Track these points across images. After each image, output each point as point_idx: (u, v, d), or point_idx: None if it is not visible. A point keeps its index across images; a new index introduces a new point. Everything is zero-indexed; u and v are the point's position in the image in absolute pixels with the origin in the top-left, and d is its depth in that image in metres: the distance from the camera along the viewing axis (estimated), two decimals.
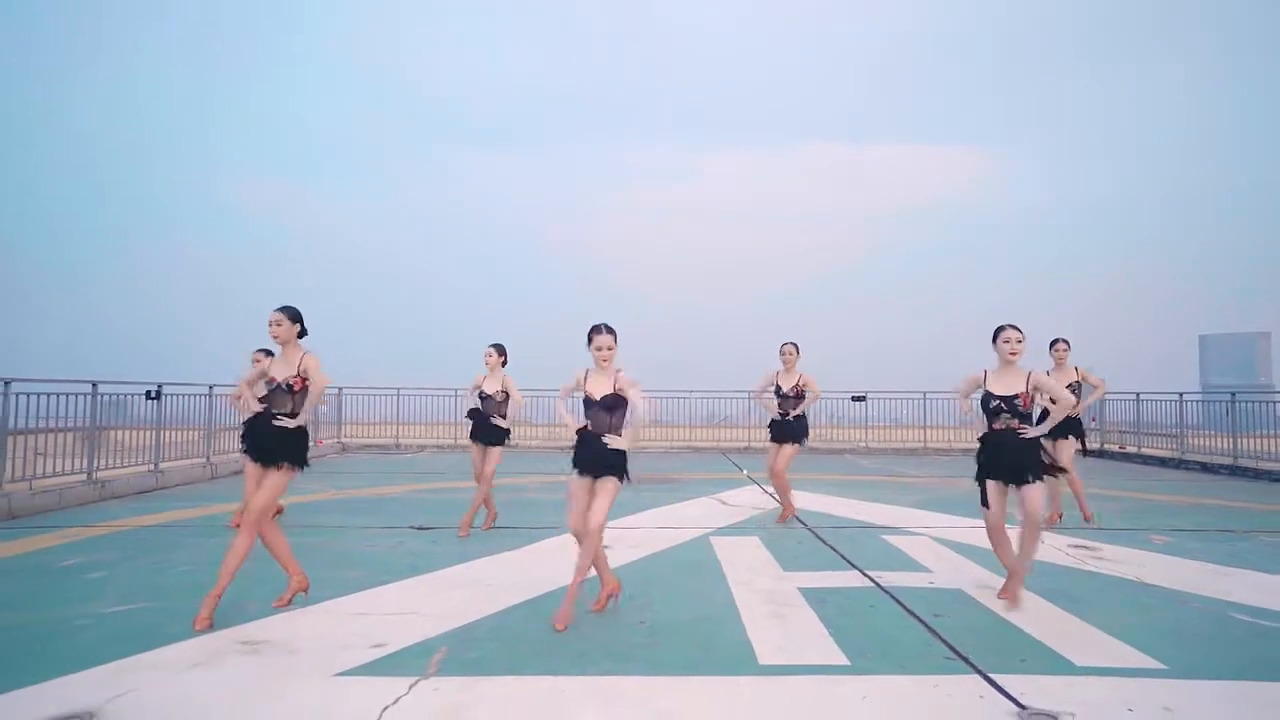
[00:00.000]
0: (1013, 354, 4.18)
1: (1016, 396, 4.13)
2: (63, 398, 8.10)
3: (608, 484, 3.87)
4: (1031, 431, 4.14)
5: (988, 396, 4.24)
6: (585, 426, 3.97)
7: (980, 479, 4.28)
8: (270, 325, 4.00)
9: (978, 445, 4.32)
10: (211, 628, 3.62)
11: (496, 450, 6.31)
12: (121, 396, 9.59)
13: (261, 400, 4.08)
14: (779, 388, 6.73)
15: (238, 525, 6.48)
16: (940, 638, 3.60)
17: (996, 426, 4.20)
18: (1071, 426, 6.54)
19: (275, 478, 3.94)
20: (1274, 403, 11.78)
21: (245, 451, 4.10)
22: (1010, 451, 4.13)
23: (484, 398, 6.29)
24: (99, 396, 8.51)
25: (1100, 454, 14.30)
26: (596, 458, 3.88)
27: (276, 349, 4.15)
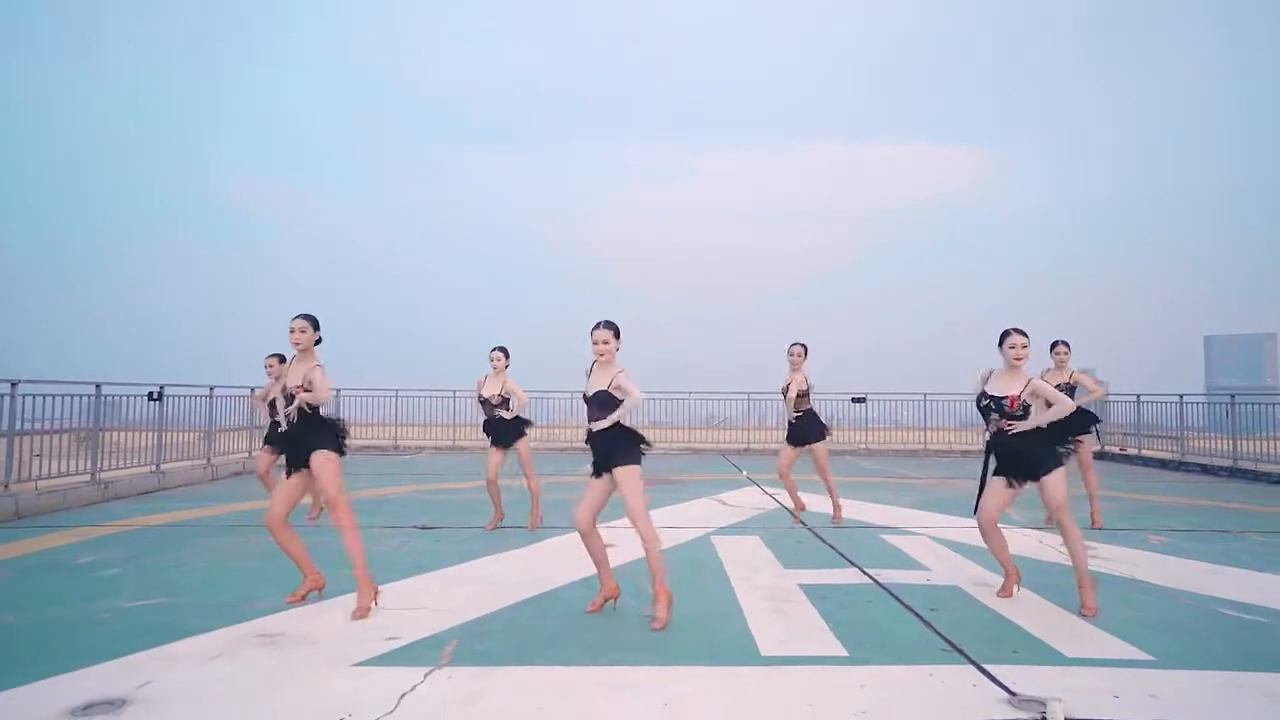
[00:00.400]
0: (1018, 359, 4.23)
1: (1005, 398, 4.22)
2: (67, 399, 8.18)
3: (624, 475, 3.85)
4: (1018, 426, 4.18)
5: (981, 395, 4.32)
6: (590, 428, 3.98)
7: (983, 478, 4.34)
8: (293, 332, 4.04)
9: (984, 449, 4.37)
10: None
11: (522, 446, 6.42)
12: (124, 398, 9.67)
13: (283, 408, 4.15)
14: (784, 388, 6.82)
15: (313, 520, 6.68)
16: (936, 631, 3.71)
17: (992, 428, 4.29)
18: (1084, 425, 6.62)
19: (321, 465, 3.96)
20: (1275, 404, 11.81)
21: (287, 464, 4.10)
22: (1013, 451, 4.20)
23: (482, 401, 6.39)
24: (102, 398, 8.60)
25: (1101, 456, 14.41)
26: (601, 454, 3.92)
27: (290, 353, 4.22)
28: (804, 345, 6.81)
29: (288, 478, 4.07)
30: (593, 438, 3.96)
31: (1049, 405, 4.29)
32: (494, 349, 6.39)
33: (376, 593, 3.94)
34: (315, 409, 4.07)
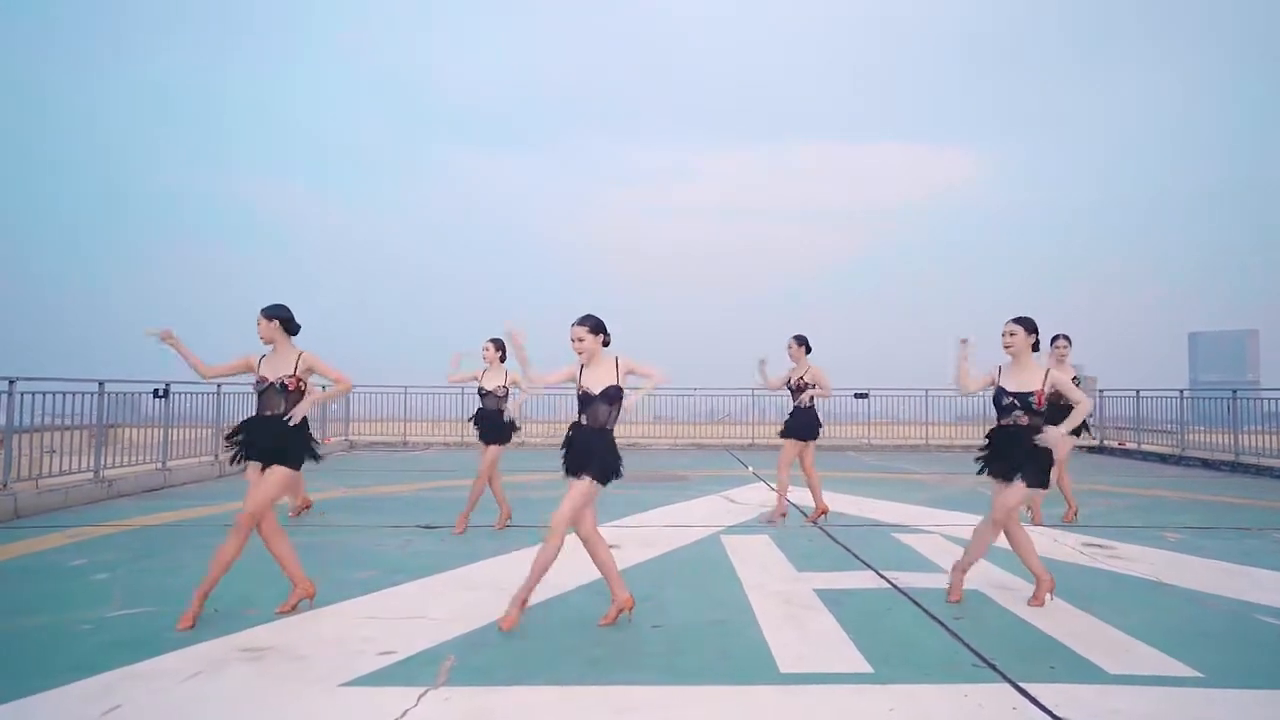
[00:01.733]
0: (1005, 348, 4.13)
1: (1031, 394, 4.04)
2: (70, 396, 8.06)
3: (582, 485, 3.67)
4: (1052, 434, 3.98)
5: (1000, 393, 4.15)
6: (579, 420, 3.77)
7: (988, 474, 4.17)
8: (258, 325, 3.92)
9: (985, 441, 4.23)
10: (193, 627, 3.56)
11: (494, 448, 6.15)
12: (129, 395, 9.55)
13: (260, 393, 3.92)
14: (789, 380, 6.59)
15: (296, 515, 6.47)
16: (964, 643, 3.49)
17: (1004, 423, 4.13)
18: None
19: (275, 476, 3.78)
20: (1273, 400, 11.68)
21: (245, 455, 3.87)
22: (1015, 450, 4.03)
23: (485, 394, 6.19)
24: (106, 395, 8.48)
25: (1100, 450, 14.24)
26: (581, 454, 3.69)
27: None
28: (794, 337, 6.53)
29: (249, 473, 3.85)
30: (584, 434, 3.72)
31: (1064, 401, 4.12)
32: (486, 340, 6.19)
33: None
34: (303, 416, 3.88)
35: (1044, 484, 4.08)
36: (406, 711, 2.70)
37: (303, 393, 3.90)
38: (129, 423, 9.31)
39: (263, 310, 3.94)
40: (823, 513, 6.62)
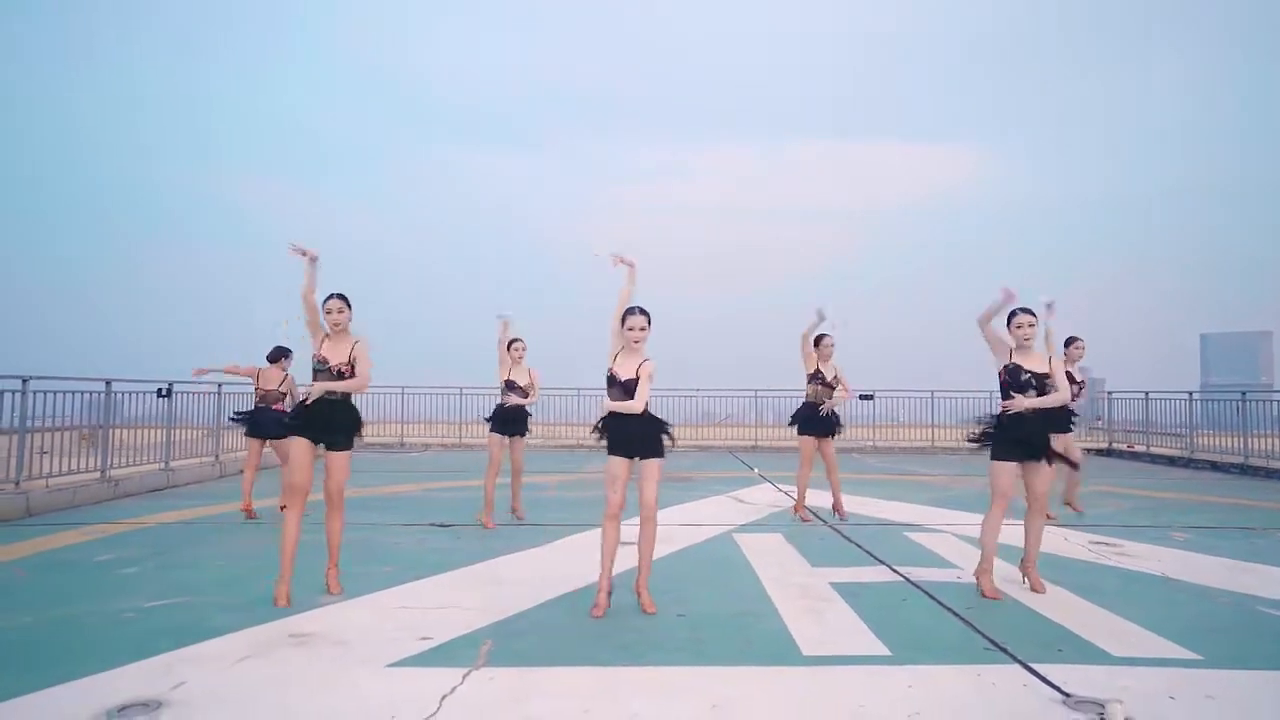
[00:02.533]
0: (1025, 338, 4.29)
1: (1047, 376, 4.23)
2: (77, 395, 8.12)
3: (656, 467, 3.92)
4: (1021, 403, 4.16)
5: (1018, 369, 4.27)
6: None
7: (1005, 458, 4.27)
8: (332, 312, 4.12)
9: (994, 420, 4.35)
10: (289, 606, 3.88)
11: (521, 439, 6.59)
12: (133, 394, 9.60)
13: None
14: (820, 374, 6.70)
15: (248, 513, 6.66)
16: (976, 629, 3.65)
17: (1019, 406, 4.23)
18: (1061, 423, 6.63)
19: (343, 459, 4.18)
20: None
21: (302, 435, 4.09)
22: (1032, 430, 4.21)
23: (513, 388, 6.37)
24: (112, 395, 8.54)
25: (1108, 453, 14.37)
26: (635, 438, 3.89)
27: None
28: (823, 335, 6.73)
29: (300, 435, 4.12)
30: (626, 419, 3.89)
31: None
32: (518, 340, 6.45)
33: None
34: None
35: (1050, 460, 4.28)
36: (455, 688, 2.84)
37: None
38: (121, 423, 9.35)
39: (343, 297, 4.17)
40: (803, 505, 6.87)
